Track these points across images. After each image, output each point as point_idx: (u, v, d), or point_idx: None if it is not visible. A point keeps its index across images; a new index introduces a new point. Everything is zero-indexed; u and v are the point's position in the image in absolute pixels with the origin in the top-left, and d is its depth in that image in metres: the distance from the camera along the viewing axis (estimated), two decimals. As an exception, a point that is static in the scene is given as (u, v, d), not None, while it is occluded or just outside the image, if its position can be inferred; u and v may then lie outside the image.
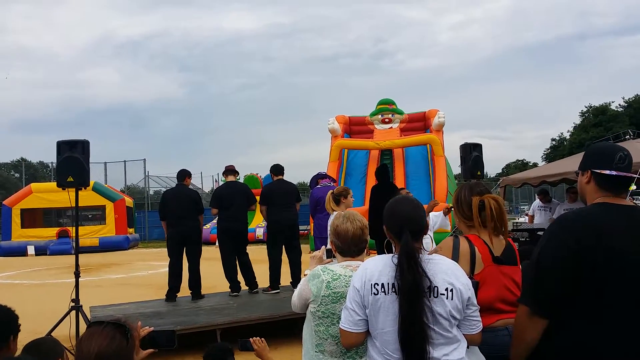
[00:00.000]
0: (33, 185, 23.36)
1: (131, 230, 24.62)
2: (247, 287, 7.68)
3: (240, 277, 7.63)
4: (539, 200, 10.07)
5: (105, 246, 21.72)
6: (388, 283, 2.08)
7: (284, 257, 7.72)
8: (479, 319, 2.19)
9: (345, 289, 2.41)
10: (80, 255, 6.69)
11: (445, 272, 2.11)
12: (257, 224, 22.28)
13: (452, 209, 2.98)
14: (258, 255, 8.36)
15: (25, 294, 10.40)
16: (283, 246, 7.70)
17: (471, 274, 2.49)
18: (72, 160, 5.99)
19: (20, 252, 21.08)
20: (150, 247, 24.72)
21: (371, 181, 17.98)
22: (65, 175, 5.95)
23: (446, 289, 2.07)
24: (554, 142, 54.79)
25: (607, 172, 2.06)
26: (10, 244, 21.54)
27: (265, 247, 7.96)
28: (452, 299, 2.07)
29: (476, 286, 2.31)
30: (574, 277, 1.93)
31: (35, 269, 15.66)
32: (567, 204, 9.16)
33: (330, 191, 6.08)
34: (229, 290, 7.55)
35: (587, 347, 1.94)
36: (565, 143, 50.05)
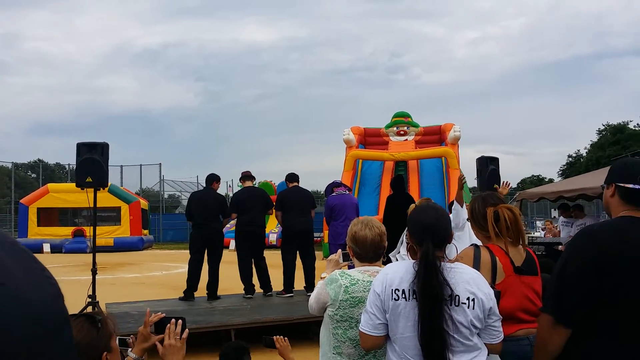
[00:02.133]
0: (50, 185, 23.73)
1: (145, 231, 24.85)
2: (261, 290, 7.77)
3: (255, 281, 7.72)
4: (561, 215, 10.15)
5: (120, 246, 21.93)
6: (409, 289, 2.10)
7: (298, 263, 7.79)
8: (500, 329, 2.20)
9: (363, 294, 2.43)
10: (95, 254, 6.83)
11: (468, 281, 2.12)
12: (271, 230, 22.37)
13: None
14: (272, 260, 8.43)
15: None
16: (297, 252, 7.78)
17: (492, 284, 2.50)
18: (91, 162, 6.15)
19: (36, 249, 21.35)
20: (164, 248, 24.94)
21: (385, 191, 17.99)
22: (84, 176, 6.10)
23: (468, 298, 2.08)
24: (570, 159, 54.26)
25: (631, 186, 2.07)
26: (26, 242, 21.81)
27: (279, 252, 8.05)
28: (473, 308, 2.08)
29: (498, 296, 2.32)
30: (598, 286, 1.93)
31: (51, 266, 15.85)
32: (565, 220, 9.37)
33: (415, 203, 6.04)
34: (244, 292, 7.64)
35: (610, 357, 1.95)
36: (581, 160, 49.56)
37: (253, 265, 7.73)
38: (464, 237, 5.16)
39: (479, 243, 2.81)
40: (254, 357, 3.12)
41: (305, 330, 6.18)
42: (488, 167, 7.26)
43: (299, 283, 7.81)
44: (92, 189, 6.28)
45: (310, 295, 7.95)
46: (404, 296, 2.11)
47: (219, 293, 7.61)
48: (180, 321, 2.06)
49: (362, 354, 2.46)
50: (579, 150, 53.83)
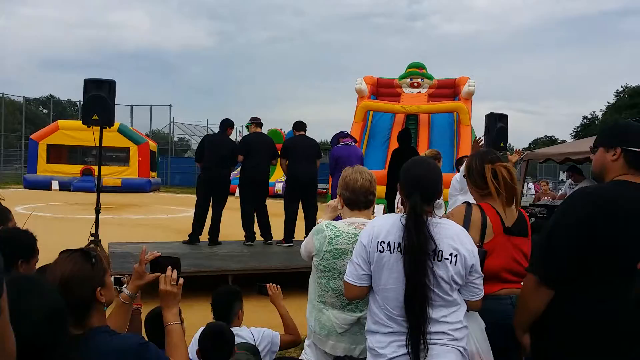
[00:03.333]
0: (60, 122, 23.75)
1: (153, 174, 25.02)
2: (262, 238, 7.82)
3: (256, 228, 7.76)
4: (570, 178, 10.03)
5: (128, 187, 22.13)
6: (394, 242, 2.11)
7: (300, 213, 7.81)
8: (481, 286, 2.22)
9: (347, 246, 2.48)
10: (102, 194, 6.85)
11: (452, 237, 2.12)
12: (277, 179, 22.42)
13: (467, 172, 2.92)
14: (275, 209, 8.46)
15: (48, 226, 10.72)
16: (300, 201, 7.78)
17: (480, 243, 2.51)
18: (98, 99, 6.08)
19: (45, 186, 21.62)
20: (171, 192, 25.17)
21: (394, 145, 17.85)
22: (91, 113, 6.05)
23: (450, 254, 2.09)
24: (585, 121, 53.50)
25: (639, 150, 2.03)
26: (35, 177, 22.09)
27: (282, 201, 8.06)
28: (455, 264, 2.09)
29: (483, 255, 2.33)
30: (587, 249, 1.94)
31: (58, 204, 16.09)
32: (571, 184, 9.21)
33: (424, 153, 6.03)
34: (244, 239, 7.70)
35: (594, 318, 1.96)
36: (596, 122, 48.81)
37: (255, 213, 7.76)
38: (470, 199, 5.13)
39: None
40: (246, 302, 3.16)
41: (303, 280, 6.24)
42: (497, 124, 7.11)
43: (300, 233, 7.84)
44: (99, 127, 6.23)
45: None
46: (388, 248, 2.12)
47: (220, 239, 7.67)
48: (175, 270, 2.09)
49: (344, 303, 2.52)
50: (594, 112, 53.00)
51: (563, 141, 55.51)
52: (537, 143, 59.56)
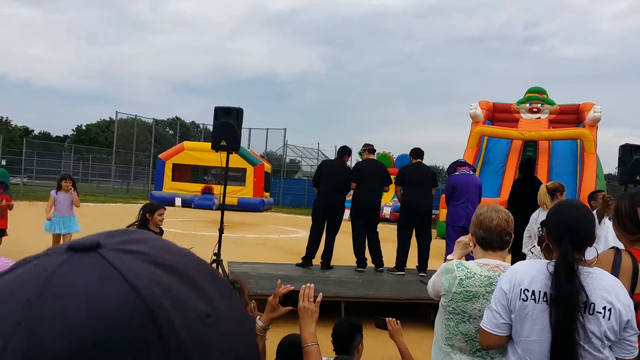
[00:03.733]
0: (186, 143, 25.55)
1: (267, 194, 25.97)
2: (373, 265, 7.81)
3: (367, 254, 7.77)
4: None
5: (243, 206, 23.14)
6: (540, 291, 2.00)
7: (413, 240, 7.71)
8: (636, 344, 2.02)
9: (479, 289, 2.35)
10: (224, 213, 7.27)
11: (606, 289, 1.97)
12: (385, 203, 22.33)
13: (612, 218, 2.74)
14: (386, 235, 8.42)
15: (177, 241, 11.42)
16: (414, 229, 7.69)
17: (632, 293, 2.32)
18: (227, 126, 6.46)
19: (169, 202, 23.18)
20: (282, 212, 25.95)
21: (510, 172, 17.10)
22: (220, 139, 6.43)
23: (604, 308, 1.94)
24: None
25: None
26: (161, 194, 23.77)
27: (392, 226, 8.01)
28: (609, 319, 1.94)
29: (636, 307, 2.15)
30: None
31: (182, 220, 17.17)
32: None
33: (545, 185, 5.86)
34: (356, 264, 7.73)
35: None
36: None
37: (366, 239, 7.78)
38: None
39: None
40: (364, 333, 3.14)
41: (413, 311, 6.13)
42: (632, 156, 6.60)
43: (412, 262, 7.73)
44: (225, 152, 6.64)
45: (422, 275, 7.89)
46: (533, 297, 2.00)
47: (332, 263, 7.76)
48: (312, 285, 2.11)
49: (474, 349, 2.38)
50: None
51: None
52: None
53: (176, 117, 57.42)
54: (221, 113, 6.57)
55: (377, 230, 7.84)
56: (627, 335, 1.99)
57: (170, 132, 54.81)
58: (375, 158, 8.29)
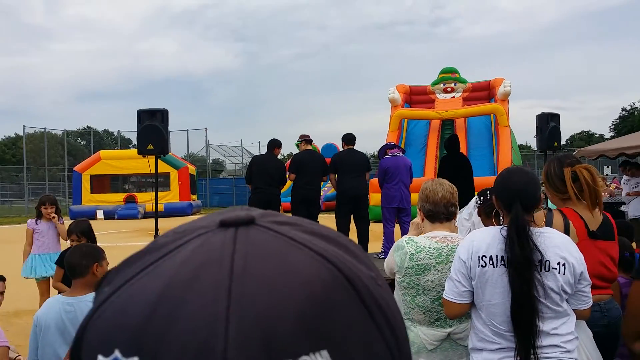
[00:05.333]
0: (102, 152, 24.40)
1: (194, 197, 25.37)
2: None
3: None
4: (623, 173, 9.76)
5: (170, 212, 22.42)
6: (497, 255, 2.06)
7: (352, 227, 7.78)
8: (590, 294, 2.15)
9: (429, 261, 2.43)
10: (146, 220, 7.01)
11: (558, 246, 2.07)
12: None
13: (542, 184, 2.89)
14: (324, 223, 8.46)
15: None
16: (352, 215, 7.76)
17: None
18: (153, 129, 6.22)
19: (90, 216, 22.11)
20: (211, 213, 25.45)
21: (431, 152, 17.73)
22: (146, 143, 6.18)
23: (558, 263, 2.03)
24: (623, 112, 52.04)
25: None
26: (80, 208, 22.63)
27: (330, 215, 8.06)
28: (564, 274, 2.03)
29: None
30: None
31: (106, 233, 16.43)
32: (627, 178, 8.97)
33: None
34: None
35: None
36: (636, 113, 47.44)
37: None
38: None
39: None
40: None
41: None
42: (549, 124, 6.98)
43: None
44: (153, 156, 6.40)
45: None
46: (491, 263, 2.07)
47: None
48: None
49: (432, 319, 2.47)
50: (633, 103, 51.49)
51: (601, 135, 54.18)
52: (574, 139, 58.23)
53: (88, 127, 54.87)
54: (145, 116, 6.31)
55: (318, 221, 7.84)
56: (581, 287, 2.10)
57: (83, 142, 52.32)
58: (311, 148, 8.29)
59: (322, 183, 7.93)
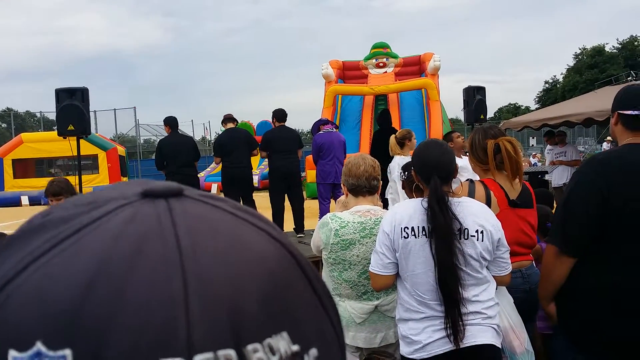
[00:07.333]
0: (23, 135, 23.10)
1: (124, 178, 24.54)
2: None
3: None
4: (547, 143, 10.24)
5: (100, 195, 21.69)
6: (418, 226, 2.10)
7: (287, 205, 7.75)
8: (509, 260, 2.23)
9: (354, 236, 2.47)
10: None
11: (476, 214, 2.13)
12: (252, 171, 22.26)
13: (467, 153, 2.98)
14: (259, 202, 8.38)
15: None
16: (286, 194, 7.72)
17: None
18: (72, 108, 5.92)
19: (14, 202, 21.01)
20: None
21: (366, 127, 17.89)
22: (66, 124, 5.87)
23: (476, 231, 2.09)
24: (547, 85, 54.41)
25: (630, 112, 2.08)
26: (3, 195, 21.46)
27: (263, 193, 7.98)
28: (482, 241, 2.10)
29: None
30: (601, 213, 1.97)
31: (32, 219, 15.67)
32: (550, 147, 9.46)
33: (393, 135, 5.97)
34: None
35: (613, 285, 1.99)
36: (558, 86, 49.70)
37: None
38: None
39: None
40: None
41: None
42: (475, 97, 7.17)
43: (289, 225, 7.79)
44: (75, 137, 6.08)
45: (300, 236, 7.96)
46: (413, 233, 2.11)
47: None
48: None
49: (360, 293, 2.52)
50: (555, 76, 53.92)
51: (527, 107, 56.50)
52: (502, 111, 60.46)
53: (8, 109, 51.72)
54: (64, 95, 5.96)
55: (253, 198, 7.75)
56: (500, 253, 2.18)
57: (4, 125, 49.38)
58: (236, 126, 8.10)
59: (250, 158, 7.79)
